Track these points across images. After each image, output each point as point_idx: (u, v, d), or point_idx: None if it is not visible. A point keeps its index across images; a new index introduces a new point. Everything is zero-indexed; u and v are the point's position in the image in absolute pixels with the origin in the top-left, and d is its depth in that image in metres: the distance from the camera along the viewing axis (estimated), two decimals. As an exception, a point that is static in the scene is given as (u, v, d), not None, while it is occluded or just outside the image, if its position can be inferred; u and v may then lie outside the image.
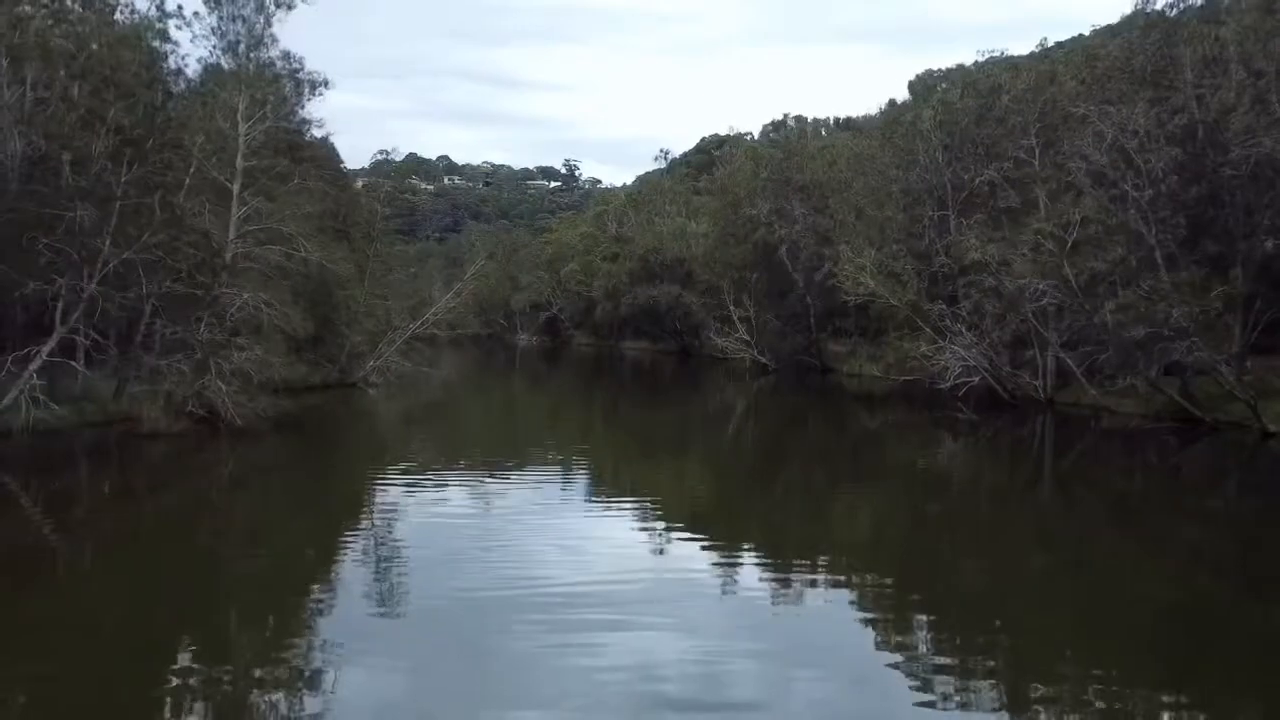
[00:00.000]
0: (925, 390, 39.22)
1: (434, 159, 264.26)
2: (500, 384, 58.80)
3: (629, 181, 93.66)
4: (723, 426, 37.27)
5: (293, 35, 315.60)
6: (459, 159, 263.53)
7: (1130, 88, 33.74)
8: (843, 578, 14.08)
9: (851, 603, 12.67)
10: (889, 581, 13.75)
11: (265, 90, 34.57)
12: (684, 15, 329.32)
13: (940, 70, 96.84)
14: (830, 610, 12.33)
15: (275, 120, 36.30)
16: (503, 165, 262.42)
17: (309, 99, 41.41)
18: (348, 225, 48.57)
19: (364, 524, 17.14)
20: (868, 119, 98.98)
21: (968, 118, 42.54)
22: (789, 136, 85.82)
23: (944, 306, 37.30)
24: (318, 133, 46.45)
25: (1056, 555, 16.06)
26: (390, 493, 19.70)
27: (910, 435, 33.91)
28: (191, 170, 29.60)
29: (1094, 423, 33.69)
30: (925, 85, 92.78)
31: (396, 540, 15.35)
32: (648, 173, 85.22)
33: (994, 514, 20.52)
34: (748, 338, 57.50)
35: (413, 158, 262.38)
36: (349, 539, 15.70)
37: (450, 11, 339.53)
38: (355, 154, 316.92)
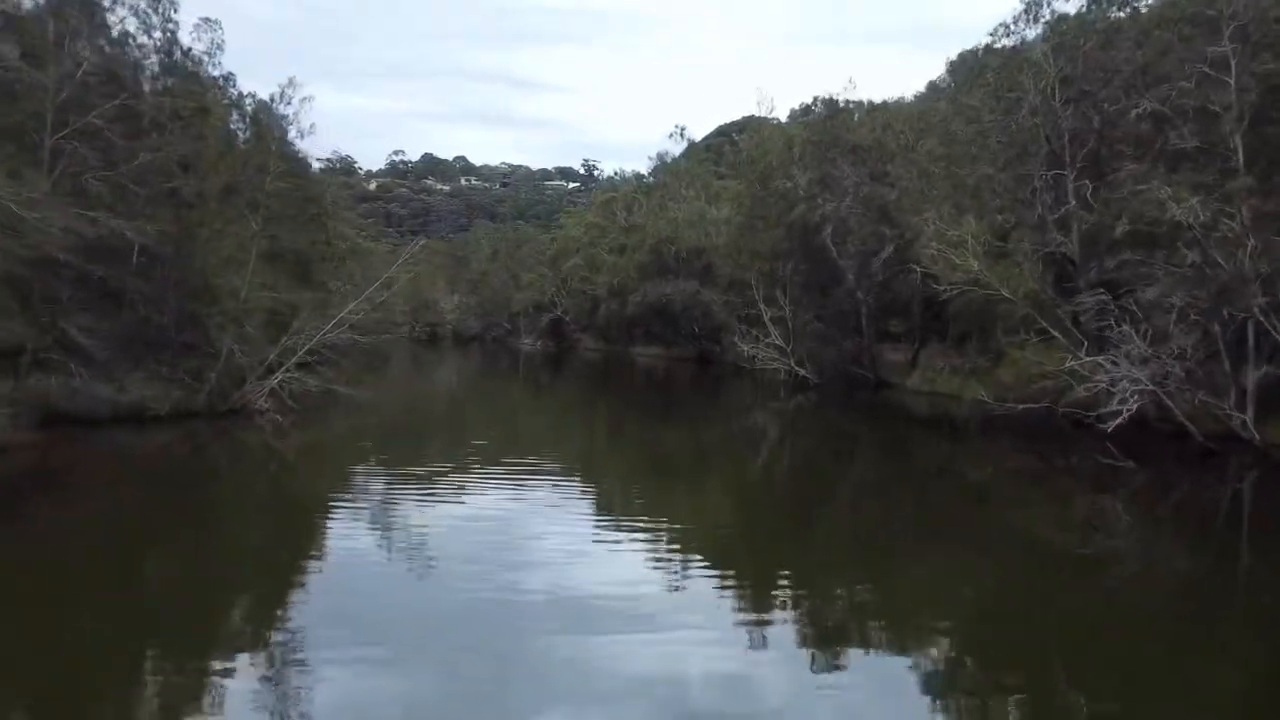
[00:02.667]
0: (1036, 419, 26.13)
1: (450, 159, 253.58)
2: (479, 398, 45.77)
3: (645, 173, 79.44)
4: (751, 464, 24.27)
5: (310, 40, 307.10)
6: (476, 160, 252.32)
7: None
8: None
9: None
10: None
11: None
12: (707, 19, 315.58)
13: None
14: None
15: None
16: (520, 166, 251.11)
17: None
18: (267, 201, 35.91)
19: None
20: (901, 105, 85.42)
21: (1096, 38, 29.27)
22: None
23: (1103, 297, 23.49)
24: (213, 70, 33.79)
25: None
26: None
27: (1039, 491, 20.95)
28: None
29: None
30: (968, 65, 78.48)
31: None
32: (661, 154, 71.31)
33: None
34: (781, 343, 44.01)
35: (428, 158, 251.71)
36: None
37: (469, 14, 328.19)
38: (371, 156, 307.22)
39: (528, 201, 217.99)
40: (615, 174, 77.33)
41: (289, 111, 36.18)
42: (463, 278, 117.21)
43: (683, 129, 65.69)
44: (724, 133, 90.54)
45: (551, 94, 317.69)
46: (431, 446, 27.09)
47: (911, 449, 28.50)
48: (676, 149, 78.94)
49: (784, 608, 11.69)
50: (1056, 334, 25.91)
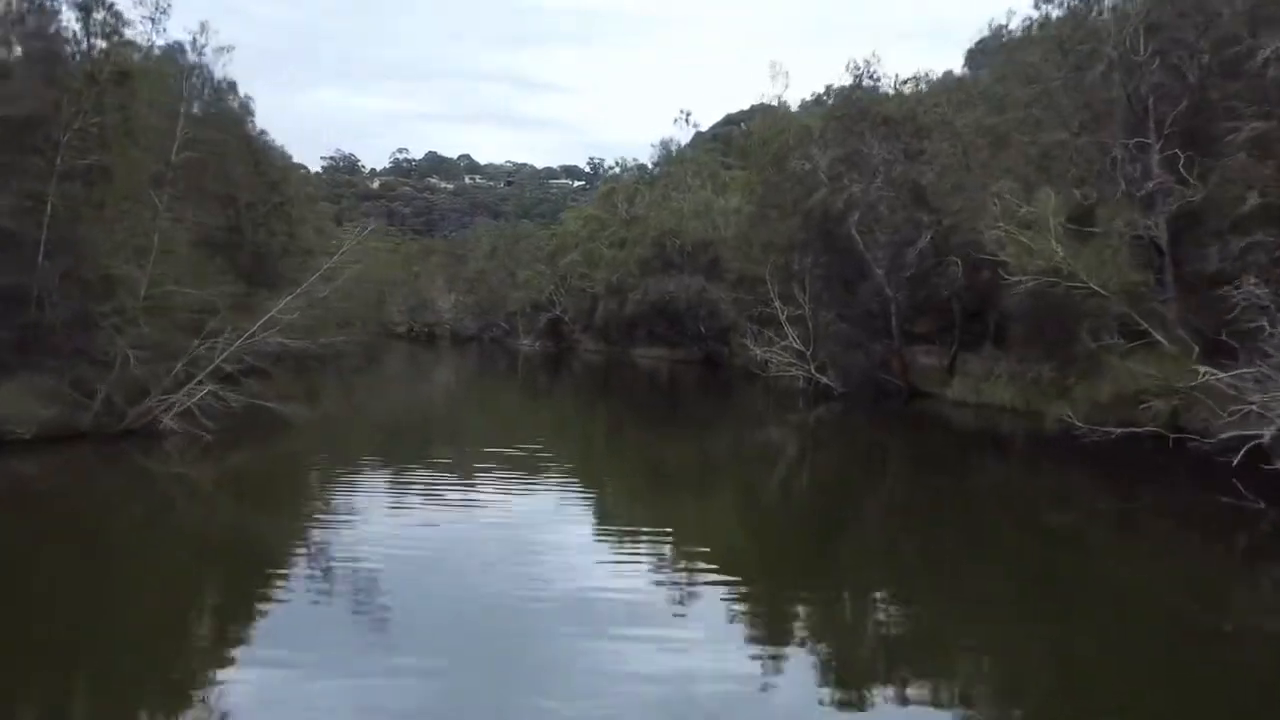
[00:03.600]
0: (1115, 441, 20.36)
1: (455, 158, 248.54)
2: (469, 406, 39.93)
3: (649, 163, 73.11)
4: (769, 483, 19.52)
5: (317, 41, 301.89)
6: (481, 159, 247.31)
7: None
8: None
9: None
10: None
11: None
12: (710, 18, 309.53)
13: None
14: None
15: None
16: (525, 164, 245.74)
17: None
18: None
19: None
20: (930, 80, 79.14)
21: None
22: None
23: (1257, 292, 17.49)
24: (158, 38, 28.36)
25: None
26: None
27: (1143, 534, 16.07)
28: None
29: None
30: (989, 51, 71.75)
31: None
32: (665, 141, 65.03)
33: None
34: (800, 346, 38.16)
35: (433, 156, 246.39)
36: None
37: (476, 14, 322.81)
38: (375, 155, 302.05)
39: (532, 200, 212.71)
40: (617, 164, 70.96)
41: (204, 62, 30.56)
42: (461, 276, 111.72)
43: (688, 114, 60.06)
44: (732, 121, 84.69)
45: (557, 94, 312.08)
46: (400, 463, 21.66)
47: (964, 476, 22.82)
48: (682, 136, 73.03)
49: (807, 631, 10.66)
50: (1161, 338, 20.17)
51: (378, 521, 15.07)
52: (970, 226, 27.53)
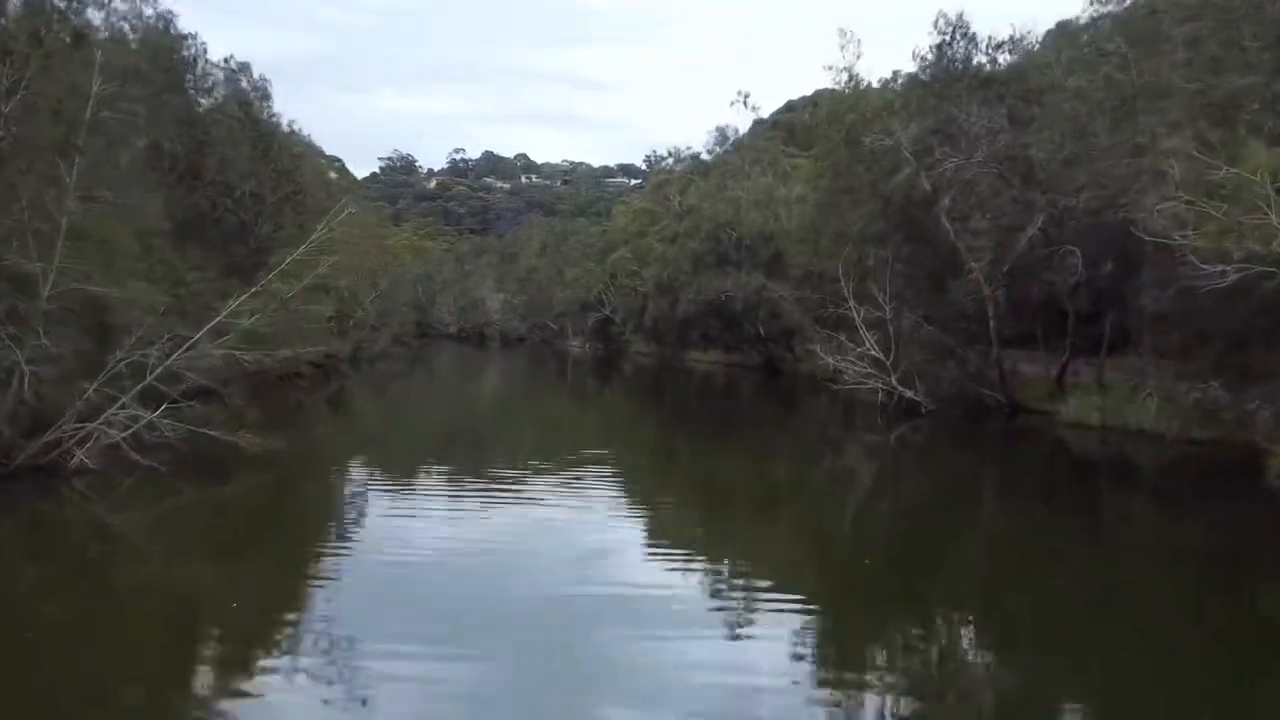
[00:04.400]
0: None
1: (511, 157, 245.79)
2: (506, 417, 34.34)
3: (703, 152, 66.62)
4: (849, 513, 14.34)
5: (377, 43, 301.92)
6: (538, 158, 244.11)
7: None
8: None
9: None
10: None
11: None
12: (777, 12, 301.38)
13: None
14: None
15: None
16: (581, 163, 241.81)
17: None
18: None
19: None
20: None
21: None
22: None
23: None
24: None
25: None
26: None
27: None
28: None
29: None
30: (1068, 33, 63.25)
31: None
32: (721, 128, 58.37)
33: None
34: (879, 353, 31.87)
35: (489, 156, 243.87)
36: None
37: (531, 15, 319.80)
38: (433, 156, 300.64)
39: (588, 199, 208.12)
40: (669, 154, 64.92)
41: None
42: (511, 276, 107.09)
43: (745, 96, 53.58)
44: (794, 108, 78.17)
45: (614, 92, 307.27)
46: (405, 493, 17.26)
47: (1098, 513, 16.95)
48: (739, 122, 66.72)
49: (874, 661, 9.56)
50: None
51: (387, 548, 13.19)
52: (1108, 204, 21.14)
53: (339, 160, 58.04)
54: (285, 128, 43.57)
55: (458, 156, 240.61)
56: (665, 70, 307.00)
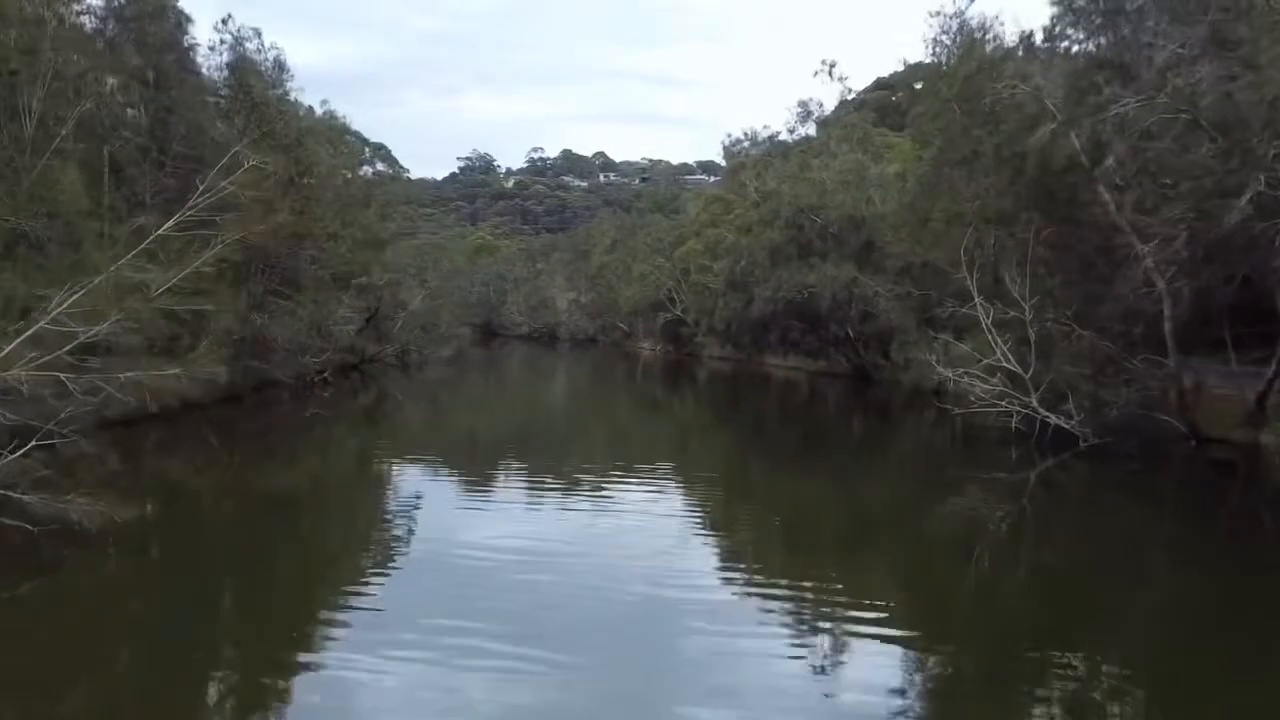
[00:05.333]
0: None
1: (590, 155, 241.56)
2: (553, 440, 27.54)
3: (783, 133, 58.23)
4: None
5: (463, 47, 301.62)
6: (616, 156, 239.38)
7: None
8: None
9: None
10: None
11: None
12: (856, 7, 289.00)
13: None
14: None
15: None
16: (660, 160, 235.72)
17: None
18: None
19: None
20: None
21: None
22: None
23: None
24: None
25: None
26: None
27: None
28: None
29: None
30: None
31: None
32: (804, 102, 50.22)
33: None
34: (1015, 365, 23.89)
35: (568, 154, 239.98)
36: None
37: (611, 15, 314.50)
38: (513, 156, 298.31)
39: (666, 196, 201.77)
40: (745, 135, 56.86)
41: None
42: (582, 273, 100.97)
43: (831, 66, 45.24)
44: (885, 85, 69.48)
45: (694, 90, 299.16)
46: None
47: None
48: (826, 95, 58.60)
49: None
50: None
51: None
52: None
53: (384, 147, 52.14)
54: (312, 108, 38.18)
55: (536, 156, 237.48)
56: (747, 66, 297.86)
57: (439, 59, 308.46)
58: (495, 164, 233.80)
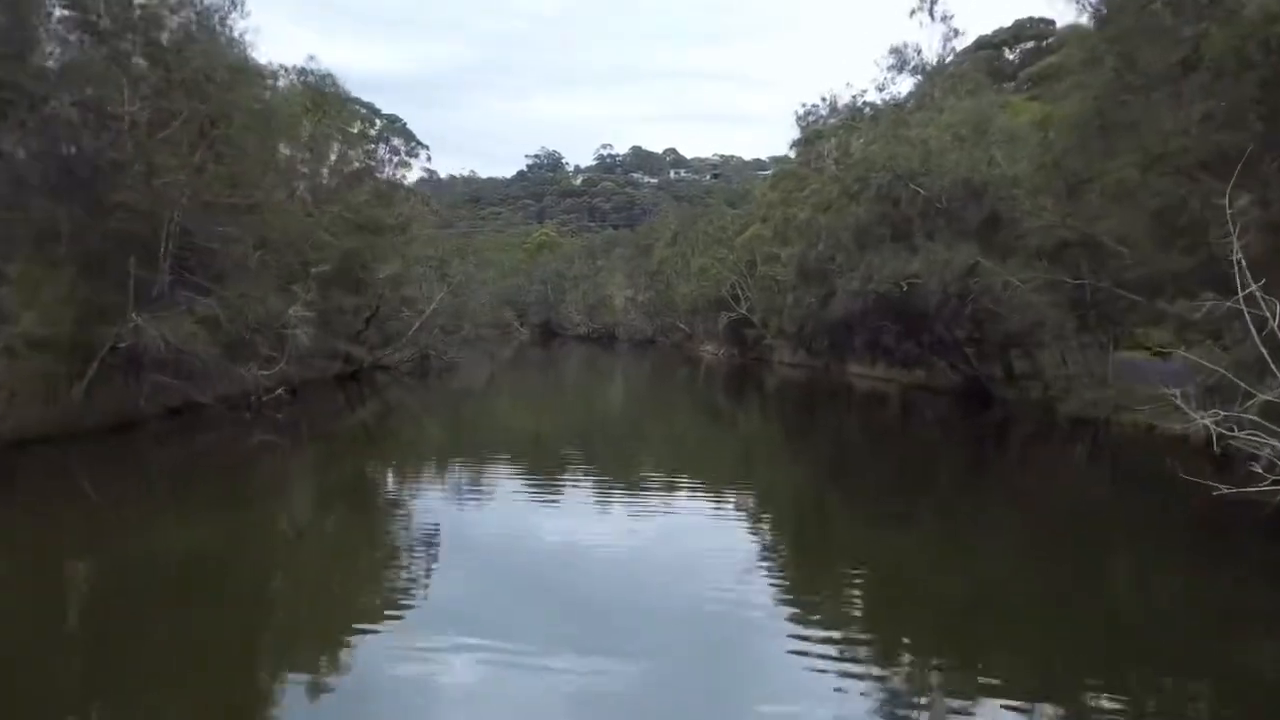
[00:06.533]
0: None
1: (660, 152, 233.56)
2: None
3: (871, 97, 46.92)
4: None
5: (529, 49, 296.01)
6: (688, 153, 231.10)
7: None
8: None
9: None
10: None
11: None
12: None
13: None
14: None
15: None
16: (732, 156, 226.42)
17: None
18: None
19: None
20: None
21: None
22: None
23: None
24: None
25: None
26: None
27: None
28: None
29: None
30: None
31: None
32: (898, 49, 39.44)
33: None
34: (1271, 394, 14.21)
35: (637, 151, 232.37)
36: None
37: (680, 13, 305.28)
38: (581, 154, 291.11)
39: (738, 192, 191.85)
40: (823, 99, 45.78)
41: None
42: (642, 270, 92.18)
43: (933, 2, 35.12)
44: (988, 44, 58.44)
45: (767, 88, 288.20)
46: None
47: None
48: (925, 39, 47.50)
49: None
50: None
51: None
52: None
53: (399, 119, 43.82)
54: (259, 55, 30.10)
55: (605, 153, 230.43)
56: (819, 61, 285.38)
57: (508, 61, 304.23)
58: (563, 161, 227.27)
